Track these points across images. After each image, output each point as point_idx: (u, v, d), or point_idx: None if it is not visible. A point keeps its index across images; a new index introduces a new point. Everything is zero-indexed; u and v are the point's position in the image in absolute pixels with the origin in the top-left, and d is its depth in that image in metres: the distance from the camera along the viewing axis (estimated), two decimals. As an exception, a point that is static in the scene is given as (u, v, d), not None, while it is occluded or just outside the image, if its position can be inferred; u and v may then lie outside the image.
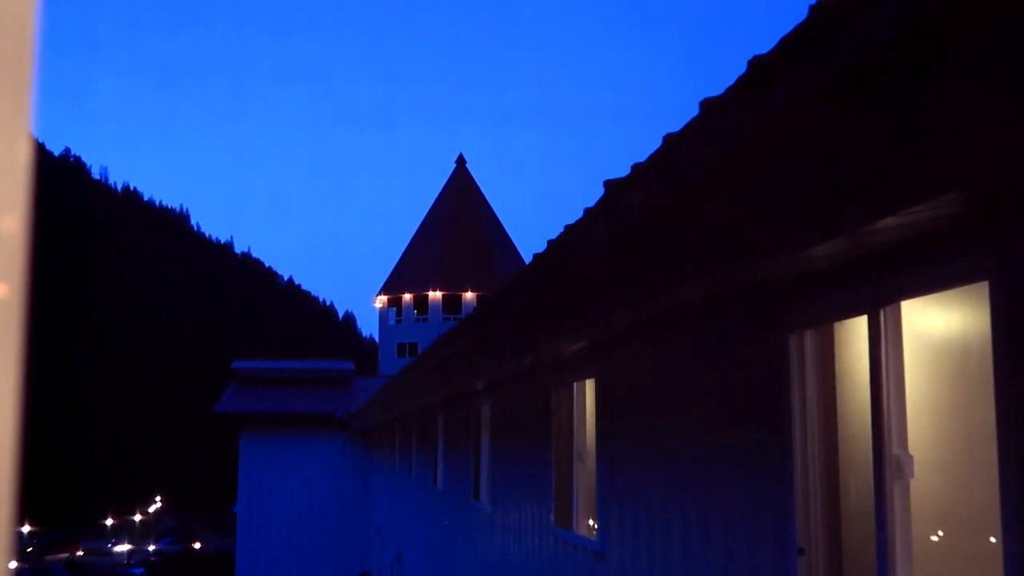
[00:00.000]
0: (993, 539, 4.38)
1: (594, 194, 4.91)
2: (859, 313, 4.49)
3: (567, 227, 5.36)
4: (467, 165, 63.11)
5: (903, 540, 4.22)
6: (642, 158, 4.07)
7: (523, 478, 11.15)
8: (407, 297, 57.69)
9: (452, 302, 56.50)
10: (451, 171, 62.85)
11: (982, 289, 3.69)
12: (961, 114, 2.81)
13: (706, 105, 3.38)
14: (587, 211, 5.06)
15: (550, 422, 9.83)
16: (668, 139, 3.73)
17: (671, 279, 5.28)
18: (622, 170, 4.53)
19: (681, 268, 5.04)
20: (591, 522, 9.00)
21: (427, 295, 57.06)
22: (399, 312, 58.31)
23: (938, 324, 5.24)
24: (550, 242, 5.86)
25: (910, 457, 4.26)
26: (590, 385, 9.02)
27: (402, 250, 61.16)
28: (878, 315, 4.31)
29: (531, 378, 10.62)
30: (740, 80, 3.08)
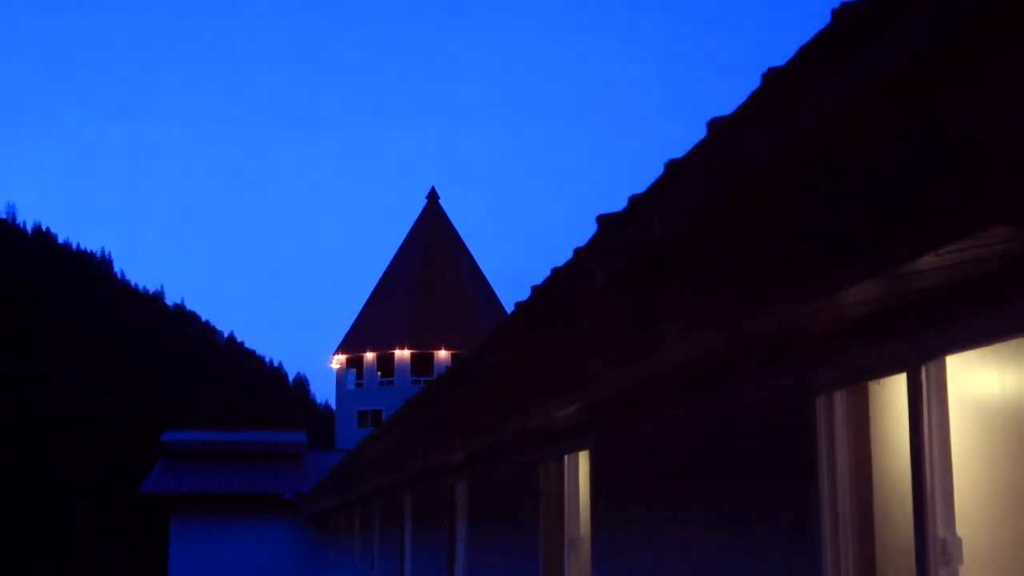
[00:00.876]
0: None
1: (585, 231, 4.95)
2: (897, 370, 4.51)
3: (555, 270, 5.40)
4: (439, 200, 63.33)
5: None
6: (641, 187, 4.11)
7: (507, 568, 11.11)
8: (369, 356, 57.66)
9: (423, 362, 56.45)
10: (421, 207, 63.05)
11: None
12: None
13: (715, 125, 3.42)
14: (577, 251, 5.10)
15: (538, 503, 9.81)
16: (670, 166, 3.76)
17: (675, 331, 5.29)
18: (618, 202, 4.56)
19: (687, 317, 5.06)
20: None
21: (393, 354, 57.05)
22: (360, 374, 58.25)
23: (991, 384, 5.26)
24: (535, 288, 5.90)
25: (958, 540, 4.26)
26: (584, 458, 9.02)
27: (363, 301, 61.21)
28: (919, 372, 4.34)
29: (515, 450, 10.61)
30: (754, 95, 3.11)
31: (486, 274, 62.41)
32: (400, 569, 17.77)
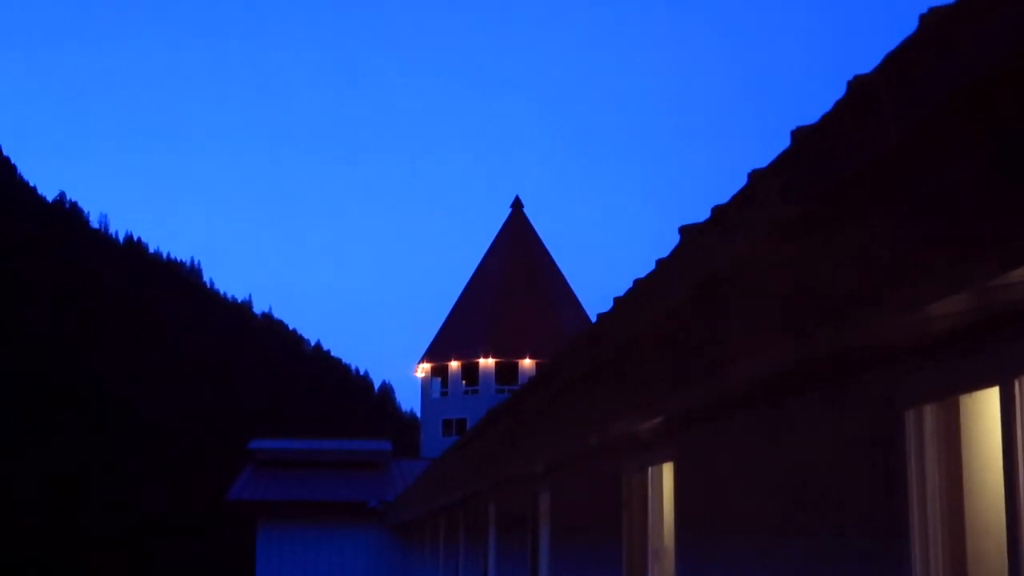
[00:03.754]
0: None
1: (670, 240, 4.91)
2: (988, 384, 4.43)
3: (636, 281, 5.36)
4: (524, 208, 63.44)
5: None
6: (724, 196, 4.06)
7: (589, 580, 11.09)
8: (454, 365, 57.91)
9: (507, 370, 56.52)
10: (506, 216, 63.22)
11: None
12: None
13: (798, 135, 3.37)
14: (660, 262, 5.07)
15: (621, 513, 9.78)
16: (754, 175, 3.72)
17: (762, 341, 5.23)
18: (702, 211, 4.52)
19: (773, 327, 5.00)
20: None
21: (477, 363, 57.22)
22: (444, 383, 58.52)
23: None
24: (616, 299, 5.87)
25: (1054, 558, 4.16)
26: (668, 469, 8.98)
27: (448, 311, 61.50)
28: (1012, 385, 4.25)
29: (599, 461, 10.58)
30: (837, 104, 3.06)
31: (571, 283, 62.36)
32: (487, 574, 17.81)
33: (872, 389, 5.27)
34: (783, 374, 6.01)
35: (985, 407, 4.88)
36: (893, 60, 2.84)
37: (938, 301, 3.93)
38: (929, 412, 4.93)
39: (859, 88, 3.08)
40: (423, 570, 28.30)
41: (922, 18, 2.76)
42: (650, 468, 9.29)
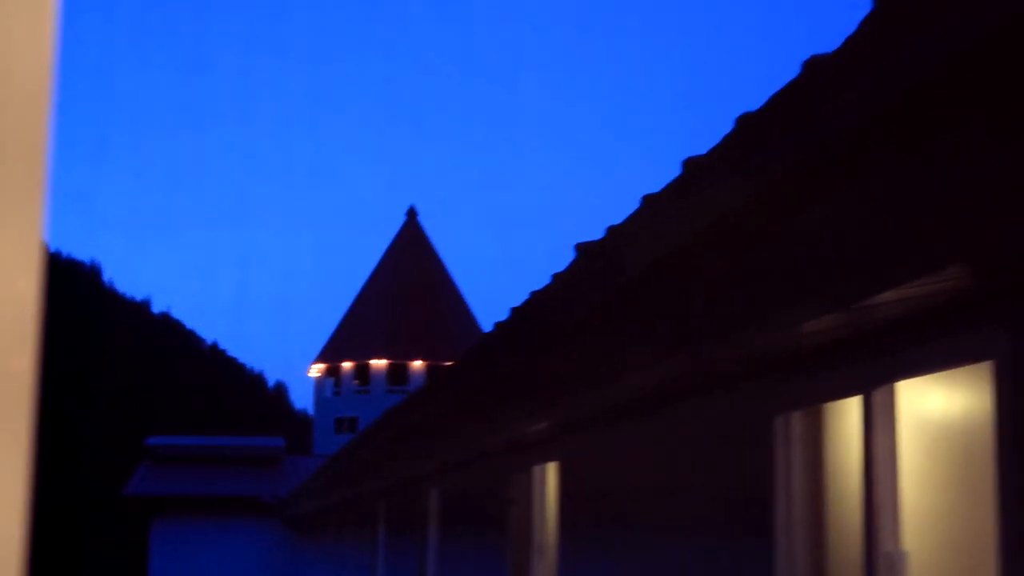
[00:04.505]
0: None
1: (564, 253, 5.03)
2: (851, 394, 4.62)
3: (533, 294, 5.49)
4: (419, 218, 63.37)
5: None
6: (619, 217, 4.21)
7: (475, 572, 11.16)
8: (347, 366, 57.57)
9: (398, 372, 56.41)
10: (400, 224, 63.06)
11: (987, 369, 3.83)
12: (965, 180, 2.96)
13: (690, 165, 3.53)
14: (556, 276, 5.19)
15: (507, 510, 9.87)
16: (648, 199, 3.87)
17: (650, 355, 5.39)
18: (599, 228, 4.65)
19: (662, 343, 5.16)
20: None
21: (369, 364, 56.97)
22: (337, 383, 58.15)
23: (938, 408, 5.39)
24: (513, 310, 5.99)
25: (904, 554, 4.37)
26: (552, 469, 9.09)
27: (342, 313, 61.14)
28: (871, 397, 4.44)
29: (487, 461, 10.68)
30: (727, 138, 3.23)
31: (464, 293, 62.36)
32: (374, 571, 17.80)
33: (748, 398, 5.43)
34: (668, 384, 6.18)
35: (847, 415, 5.09)
36: (775, 103, 3.01)
37: (810, 321, 4.12)
38: (796, 419, 5.11)
39: (745, 125, 3.25)
40: (316, 565, 28.14)
41: (804, 63, 2.94)
42: (536, 468, 9.40)
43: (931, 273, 3.41)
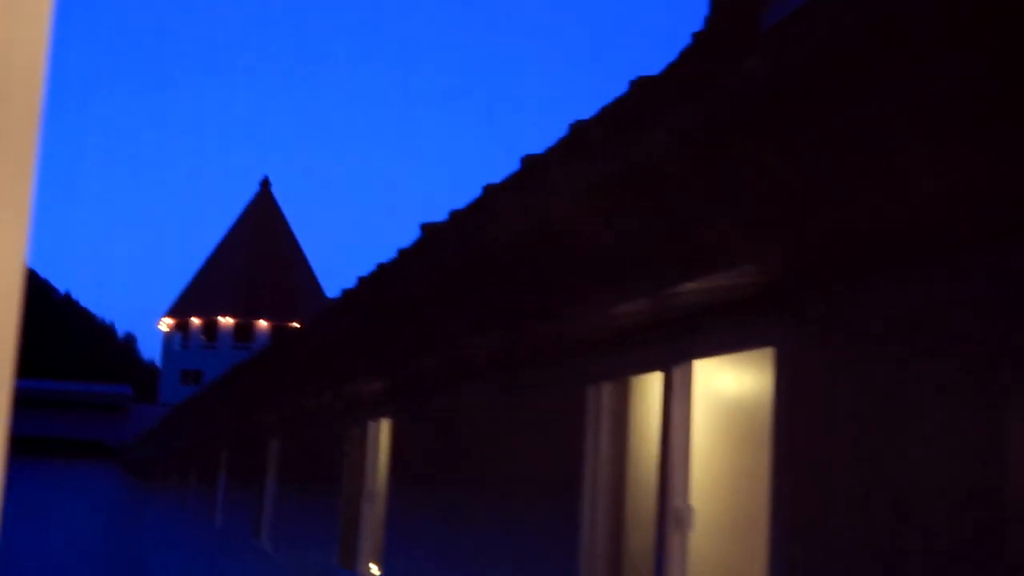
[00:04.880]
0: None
1: (410, 228, 5.15)
2: (654, 369, 4.86)
3: (380, 266, 5.58)
4: (272, 188, 62.46)
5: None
6: (462, 203, 4.36)
7: (309, 517, 11.18)
8: (195, 322, 56.51)
9: (244, 331, 55.62)
10: (254, 193, 62.06)
11: (770, 355, 4.09)
12: (759, 195, 3.21)
13: (527, 161, 3.70)
14: (401, 252, 5.29)
15: (342, 461, 9.91)
16: (488, 189, 4.03)
17: (480, 328, 5.54)
18: (443, 200, 4.79)
19: (491, 318, 5.32)
20: (375, 567, 9.12)
21: (217, 321, 56.04)
22: (186, 337, 57.02)
23: (730, 385, 5.68)
24: (360, 279, 6.06)
25: (691, 510, 4.64)
26: (386, 425, 9.18)
27: (194, 271, 59.93)
28: (671, 372, 4.69)
29: (326, 415, 10.71)
30: (562, 141, 3.41)
31: (312, 262, 61.70)
32: (215, 514, 17.64)
33: (565, 369, 5.62)
34: (494, 355, 6.34)
35: (650, 388, 5.32)
36: (605, 114, 3.21)
37: (621, 304, 4.34)
38: (606, 389, 5.31)
39: (577, 131, 3.44)
40: (159, 505, 27.67)
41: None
42: (370, 424, 9.47)
43: (725, 270, 3.65)
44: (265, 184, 62.25)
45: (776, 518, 3.85)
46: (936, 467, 3.13)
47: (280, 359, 10.16)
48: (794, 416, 3.82)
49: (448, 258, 4.73)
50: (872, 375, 3.45)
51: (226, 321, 56.08)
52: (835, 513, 3.56)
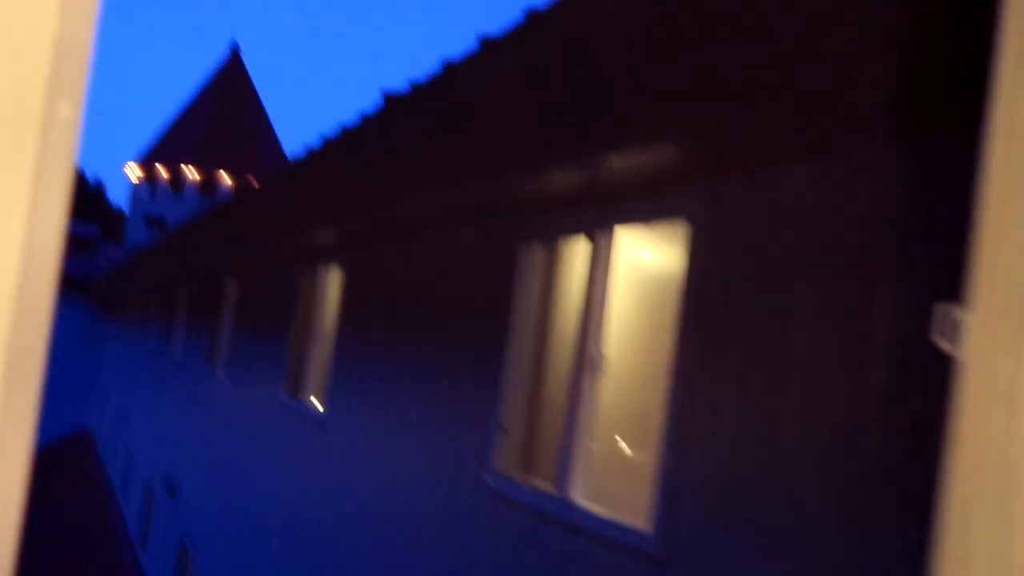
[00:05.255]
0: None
1: (366, 91, 5.15)
2: (580, 232, 4.99)
3: (343, 128, 5.61)
4: (240, 52, 61.07)
5: (587, 419, 4.83)
6: (421, 74, 4.43)
7: (261, 351, 11.26)
8: (162, 171, 55.71)
9: (208, 182, 55.02)
10: (224, 57, 60.65)
11: (684, 231, 4.25)
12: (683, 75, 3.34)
13: (483, 41, 3.79)
14: (363, 116, 5.30)
15: (294, 303, 9.98)
16: (446, 64, 4.10)
17: (427, 188, 5.64)
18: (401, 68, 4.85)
19: (438, 179, 5.42)
20: (317, 402, 9.27)
21: (182, 169, 55.30)
22: (153, 187, 56.25)
23: (648, 254, 5.88)
24: (325, 139, 6.06)
25: (603, 356, 4.86)
26: (336, 273, 9.26)
27: (164, 124, 58.79)
28: (595, 236, 4.85)
29: (282, 261, 10.75)
30: (517, 24, 3.49)
31: (276, 127, 60.53)
32: (173, 346, 17.73)
33: (501, 228, 5.73)
34: (438, 212, 6.45)
35: (576, 250, 5.46)
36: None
37: (554, 171, 4.47)
38: (537, 248, 5.44)
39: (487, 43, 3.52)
40: (121, 337, 27.68)
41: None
42: (321, 269, 9.56)
43: (650, 145, 3.80)
44: (235, 50, 60.84)
45: (675, 371, 4.04)
46: (816, 340, 3.32)
47: (242, 208, 10.18)
48: (698, 286, 3.97)
49: (403, 124, 4.81)
50: (766, 255, 3.62)
51: (191, 172, 55.37)
52: (724, 369, 3.77)
